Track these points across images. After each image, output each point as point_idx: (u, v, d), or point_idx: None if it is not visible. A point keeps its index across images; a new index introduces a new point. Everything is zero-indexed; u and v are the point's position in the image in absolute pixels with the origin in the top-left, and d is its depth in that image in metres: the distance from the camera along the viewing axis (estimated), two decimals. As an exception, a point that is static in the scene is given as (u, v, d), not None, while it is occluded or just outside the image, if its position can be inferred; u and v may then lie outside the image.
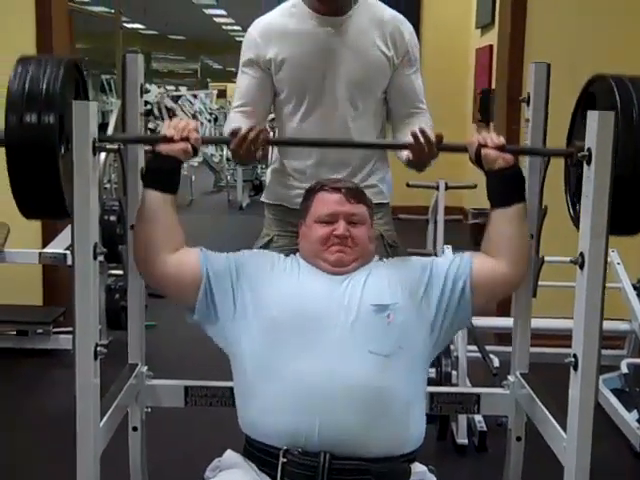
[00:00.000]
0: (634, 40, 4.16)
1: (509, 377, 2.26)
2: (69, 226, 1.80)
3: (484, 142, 1.99)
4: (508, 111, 4.24)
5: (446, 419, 3.12)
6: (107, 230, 3.86)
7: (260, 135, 2.03)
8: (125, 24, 13.96)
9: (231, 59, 16.77)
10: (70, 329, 1.79)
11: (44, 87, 1.73)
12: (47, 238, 4.21)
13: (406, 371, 1.87)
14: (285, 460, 1.75)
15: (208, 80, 24.51)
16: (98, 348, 1.76)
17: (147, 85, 10.25)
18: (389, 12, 2.39)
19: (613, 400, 3.39)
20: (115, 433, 1.97)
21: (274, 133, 2.76)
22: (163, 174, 1.98)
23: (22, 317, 4.28)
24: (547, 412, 1.97)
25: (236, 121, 2.33)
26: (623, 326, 3.66)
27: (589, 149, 1.72)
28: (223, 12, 19.09)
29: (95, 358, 1.75)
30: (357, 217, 2.02)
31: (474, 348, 3.29)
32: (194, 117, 11.62)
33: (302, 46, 2.32)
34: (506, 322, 2.37)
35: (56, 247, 4.06)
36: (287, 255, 2.09)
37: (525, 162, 2.16)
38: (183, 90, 14.20)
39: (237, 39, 21.24)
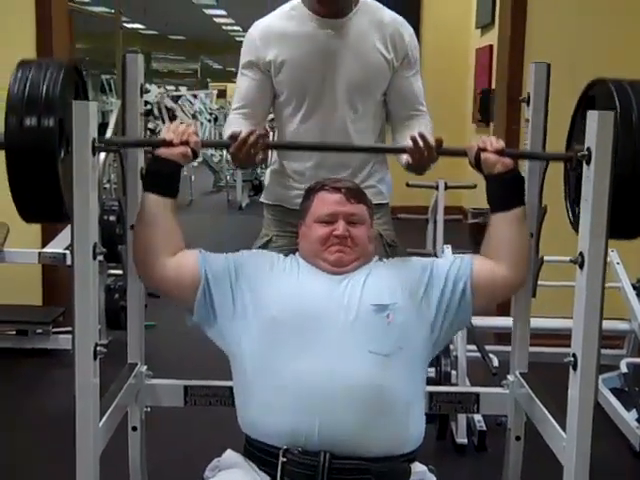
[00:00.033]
0: (634, 40, 4.16)
1: (508, 377, 2.26)
2: (69, 226, 1.80)
3: (483, 146, 1.99)
4: (508, 111, 4.24)
5: (445, 418, 3.12)
6: (107, 230, 3.86)
7: (260, 139, 2.03)
8: (125, 24, 13.94)
9: (231, 59, 16.78)
10: (70, 329, 1.79)
11: (44, 90, 1.74)
12: (47, 238, 4.21)
13: (406, 371, 1.87)
14: (285, 459, 1.75)
15: (208, 80, 24.51)
16: (98, 348, 1.76)
17: (147, 85, 10.24)
18: (389, 14, 2.39)
19: (612, 400, 3.39)
20: (115, 433, 1.98)
21: (274, 133, 2.75)
22: (162, 178, 1.98)
23: (22, 317, 4.28)
24: (546, 412, 1.97)
25: (236, 123, 2.33)
26: (622, 326, 3.66)
27: (589, 149, 1.73)
28: (223, 12, 19.08)
29: (95, 358, 1.76)
30: (357, 217, 2.02)
31: (473, 348, 3.29)
32: (194, 117, 11.64)
33: (302, 48, 2.32)
34: (505, 322, 2.37)
35: (56, 247, 4.06)
36: (286, 255, 2.09)
37: (525, 162, 2.16)
38: (183, 90, 14.22)
39: (237, 39, 21.24)
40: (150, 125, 10.56)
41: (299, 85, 2.35)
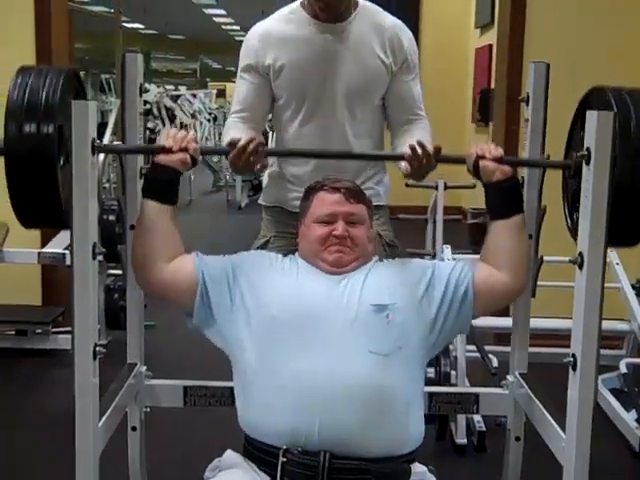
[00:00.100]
0: (634, 40, 4.16)
1: (508, 377, 2.26)
2: (68, 226, 1.80)
3: (482, 154, 1.98)
4: (507, 111, 4.24)
5: (445, 419, 3.12)
6: (106, 230, 3.87)
7: (259, 147, 2.03)
8: (125, 24, 13.94)
9: (230, 59, 16.75)
10: (69, 329, 1.79)
11: (43, 97, 1.74)
12: (46, 238, 4.21)
13: (405, 371, 1.87)
14: (285, 459, 1.75)
15: (207, 80, 24.52)
16: (97, 348, 1.76)
17: (146, 84, 10.24)
18: (388, 18, 2.39)
19: (612, 400, 3.39)
20: (114, 433, 1.98)
21: (273, 133, 2.75)
22: (161, 185, 1.98)
23: (21, 317, 4.28)
24: (546, 412, 1.97)
25: (234, 128, 2.33)
26: (622, 326, 3.66)
27: (588, 149, 1.73)
28: (223, 12, 19.08)
29: (94, 358, 1.76)
30: (356, 217, 2.02)
31: (473, 348, 3.29)
32: (193, 117, 11.64)
33: (301, 52, 2.32)
34: (505, 322, 2.37)
35: (55, 247, 4.06)
36: (285, 255, 2.09)
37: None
38: (182, 90, 14.22)
39: (236, 39, 21.24)
40: (149, 124, 10.56)
41: (298, 89, 2.35)
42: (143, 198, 1.99)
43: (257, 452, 1.83)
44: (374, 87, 2.37)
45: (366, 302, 1.88)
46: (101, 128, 4.77)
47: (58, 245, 4.05)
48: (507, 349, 2.30)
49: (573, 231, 1.96)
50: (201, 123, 11.85)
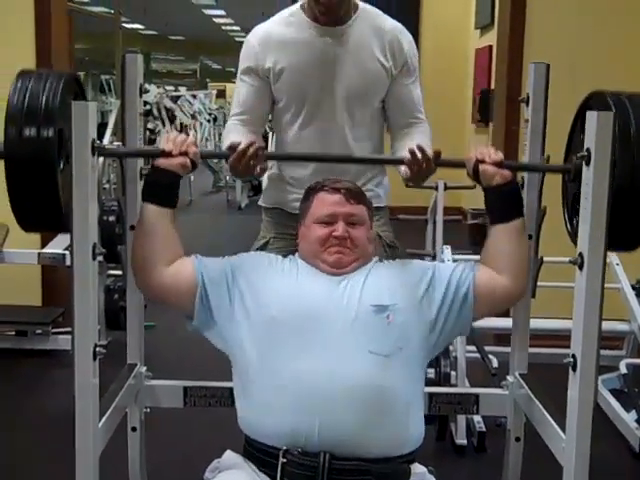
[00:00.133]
0: (634, 40, 4.16)
1: (508, 377, 2.26)
2: (68, 227, 1.80)
3: (482, 158, 1.98)
4: (507, 111, 4.24)
5: (445, 419, 3.12)
6: (106, 230, 3.87)
7: (259, 151, 2.03)
8: (125, 24, 13.94)
9: (230, 59, 16.76)
10: (69, 329, 1.79)
11: (43, 101, 1.74)
12: (46, 238, 4.20)
13: (406, 371, 1.87)
14: (285, 460, 1.75)
15: (207, 80, 24.51)
16: (97, 348, 1.76)
17: (146, 85, 10.24)
18: (389, 22, 2.39)
19: (612, 401, 3.39)
20: (114, 433, 1.97)
21: (273, 134, 2.75)
22: (161, 188, 1.98)
23: (21, 317, 4.28)
24: (546, 412, 1.97)
25: (234, 130, 2.34)
26: (622, 326, 3.65)
27: (588, 149, 1.73)
28: (222, 12, 19.08)
29: (94, 358, 1.76)
30: (356, 218, 2.02)
31: (473, 348, 3.29)
32: (193, 117, 11.63)
33: (301, 56, 2.32)
34: (505, 322, 2.37)
35: (55, 247, 4.06)
36: (285, 256, 2.09)
37: (525, 160, 2.16)
38: (182, 90, 14.22)
39: (236, 39, 21.24)
40: (149, 125, 10.55)
41: (298, 92, 2.35)
42: (143, 202, 1.99)
43: (257, 453, 1.83)
44: (374, 90, 2.37)
45: (366, 303, 1.88)
46: (101, 129, 4.78)
47: (58, 246, 4.05)
48: (507, 349, 2.30)
49: (573, 235, 1.97)
50: (201, 124, 11.84)
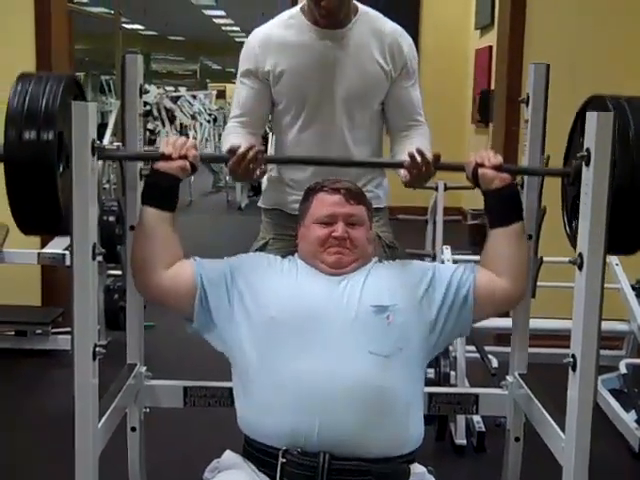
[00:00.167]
0: (634, 40, 4.16)
1: (507, 377, 2.26)
2: (68, 227, 1.80)
3: (481, 161, 1.99)
4: (507, 112, 4.24)
5: (445, 419, 3.12)
6: (106, 230, 3.87)
7: (259, 154, 2.03)
8: (125, 25, 13.95)
9: (230, 60, 16.77)
10: (69, 329, 1.79)
11: (43, 104, 1.74)
12: (46, 239, 4.20)
13: (405, 372, 1.87)
14: (284, 460, 1.75)
15: (207, 81, 24.50)
16: (97, 348, 1.76)
17: (146, 86, 10.24)
18: (388, 24, 2.39)
19: (612, 400, 3.39)
20: (114, 433, 1.97)
21: (273, 135, 2.76)
22: (161, 191, 1.98)
23: (21, 317, 4.28)
24: (545, 412, 1.97)
25: (234, 133, 2.34)
26: (622, 327, 3.66)
27: (588, 149, 1.73)
28: (222, 13, 19.08)
29: (94, 358, 1.76)
30: (356, 218, 2.02)
31: (473, 348, 3.29)
32: (193, 118, 11.63)
33: (300, 58, 2.32)
34: (505, 322, 2.37)
35: (55, 247, 4.06)
36: (284, 257, 2.09)
37: (525, 161, 2.16)
38: (182, 91, 14.21)
39: (236, 40, 21.25)
40: (149, 125, 10.56)
41: (297, 95, 2.35)
42: (142, 205, 1.99)
43: (256, 453, 1.83)
44: (373, 93, 2.37)
45: (366, 303, 1.88)
46: (101, 129, 4.77)
47: (58, 246, 4.05)
48: (507, 349, 2.30)
49: (572, 239, 1.97)
50: (201, 124, 11.84)
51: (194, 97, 12.60)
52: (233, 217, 9.29)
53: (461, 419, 3.12)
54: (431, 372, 2.95)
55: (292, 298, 1.91)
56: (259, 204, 2.58)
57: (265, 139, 5.92)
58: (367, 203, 2.10)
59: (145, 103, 9.79)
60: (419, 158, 2.01)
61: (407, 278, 1.99)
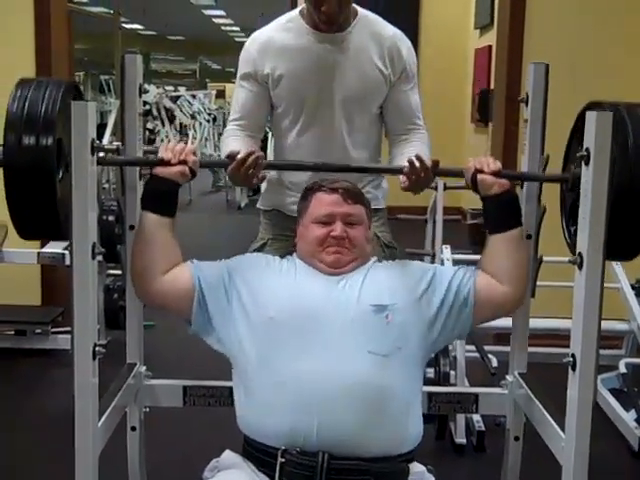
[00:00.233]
0: (634, 40, 4.15)
1: (507, 377, 2.26)
2: (68, 227, 1.80)
3: (480, 167, 1.99)
4: (507, 111, 4.24)
5: (444, 419, 3.12)
6: (105, 230, 3.86)
7: (258, 160, 2.03)
8: (124, 24, 13.95)
9: (230, 59, 16.74)
10: (69, 329, 1.79)
11: (42, 110, 1.74)
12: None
13: (404, 371, 1.87)
14: (283, 460, 1.75)
15: (207, 80, 24.48)
16: (97, 348, 1.76)
17: (146, 85, 10.23)
18: (389, 28, 2.39)
19: (611, 400, 3.39)
20: (113, 433, 1.97)
21: (272, 136, 2.76)
22: (160, 197, 1.98)
23: (20, 317, 4.28)
24: (545, 412, 1.97)
25: (233, 137, 2.35)
26: (621, 326, 3.66)
27: (587, 149, 1.73)
28: (222, 13, 19.06)
29: (94, 358, 1.76)
30: (354, 217, 2.02)
31: (472, 348, 3.29)
32: (193, 117, 11.62)
33: (299, 62, 2.32)
34: (504, 322, 2.37)
35: (54, 247, 4.05)
36: (282, 257, 2.09)
37: (524, 162, 2.16)
38: (182, 90, 14.19)
39: (236, 40, 21.23)
40: (149, 125, 10.55)
41: (296, 98, 2.35)
42: (142, 210, 1.99)
43: (256, 452, 1.83)
44: (372, 96, 2.37)
45: (365, 302, 1.88)
46: (101, 129, 4.77)
47: (57, 245, 4.04)
48: (507, 349, 2.30)
49: (571, 245, 1.97)
50: (200, 124, 11.83)
51: (194, 97, 12.58)
52: (232, 217, 9.29)
53: (461, 418, 3.12)
54: (431, 371, 2.96)
55: (291, 298, 1.91)
56: (258, 205, 2.58)
57: (265, 140, 5.92)
58: (365, 202, 2.10)
59: (144, 103, 9.70)
60: (418, 164, 2.01)
61: (406, 277, 1.99)
